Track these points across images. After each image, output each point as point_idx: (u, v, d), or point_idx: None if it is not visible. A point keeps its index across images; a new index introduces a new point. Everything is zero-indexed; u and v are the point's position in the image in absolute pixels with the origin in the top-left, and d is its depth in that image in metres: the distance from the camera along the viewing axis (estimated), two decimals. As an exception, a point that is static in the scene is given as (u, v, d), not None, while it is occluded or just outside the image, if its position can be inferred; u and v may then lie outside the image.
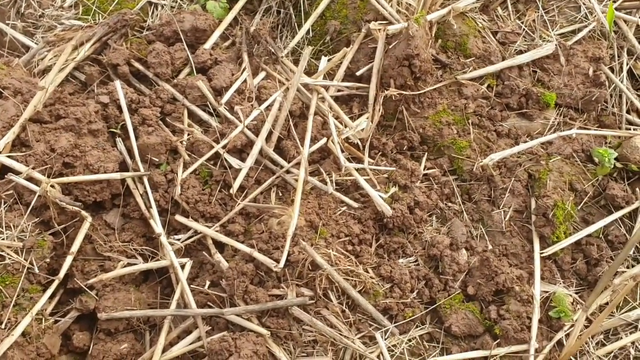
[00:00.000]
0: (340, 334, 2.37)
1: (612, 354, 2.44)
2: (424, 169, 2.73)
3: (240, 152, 2.69)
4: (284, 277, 2.42)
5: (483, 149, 2.73)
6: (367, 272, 2.48)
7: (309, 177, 2.62)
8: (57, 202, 2.43)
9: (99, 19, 2.97)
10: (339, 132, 2.68)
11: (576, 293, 2.54)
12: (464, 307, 2.47)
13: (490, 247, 2.59)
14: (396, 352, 2.39)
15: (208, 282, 2.49)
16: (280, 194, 2.66)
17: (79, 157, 2.53)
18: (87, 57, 2.84)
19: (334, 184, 2.63)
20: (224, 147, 2.63)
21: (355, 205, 2.59)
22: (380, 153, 2.75)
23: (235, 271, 2.41)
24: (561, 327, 2.44)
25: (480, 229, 2.63)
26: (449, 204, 2.69)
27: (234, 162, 2.64)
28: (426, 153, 2.77)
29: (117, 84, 2.70)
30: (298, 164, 2.62)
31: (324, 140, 2.67)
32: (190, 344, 2.41)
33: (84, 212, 2.50)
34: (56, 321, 2.44)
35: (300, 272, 2.40)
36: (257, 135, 2.66)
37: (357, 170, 2.63)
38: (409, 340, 2.43)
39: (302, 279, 2.41)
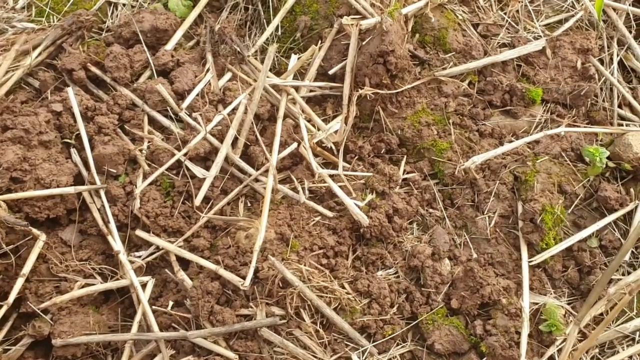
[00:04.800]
0: (314, 356, 2.21)
1: (608, 370, 2.28)
2: (403, 174, 2.57)
3: (205, 159, 2.51)
4: (253, 296, 2.26)
5: (465, 150, 2.56)
6: (343, 287, 2.31)
7: (278, 186, 2.45)
8: (3, 221, 2.24)
9: (53, 21, 2.78)
10: (311, 135, 2.50)
11: (568, 304, 2.38)
12: (448, 322, 2.30)
13: (474, 255, 2.42)
14: (375, 374, 2.22)
15: (171, 302, 2.33)
16: (249, 204, 2.48)
17: (28, 171, 2.35)
18: (41, 62, 2.66)
19: (307, 192, 2.47)
20: (185, 154, 2.45)
21: (330, 214, 2.43)
22: (356, 157, 2.58)
23: (200, 290, 2.25)
24: (553, 342, 2.29)
25: (464, 236, 2.46)
26: (430, 210, 2.52)
27: (198, 171, 2.46)
28: (405, 156, 2.61)
29: (70, 90, 2.51)
30: (267, 172, 2.44)
31: (295, 145, 2.50)
32: (152, 370, 2.24)
33: (35, 231, 2.32)
34: (6, 350, 2.26)
35: (270, 290, 2.24)
36: (221, 142, 2.48)
37: (331, 176, 2.47)
38: (389, 360, 2.26)
39: (272, 297, 2.25)
